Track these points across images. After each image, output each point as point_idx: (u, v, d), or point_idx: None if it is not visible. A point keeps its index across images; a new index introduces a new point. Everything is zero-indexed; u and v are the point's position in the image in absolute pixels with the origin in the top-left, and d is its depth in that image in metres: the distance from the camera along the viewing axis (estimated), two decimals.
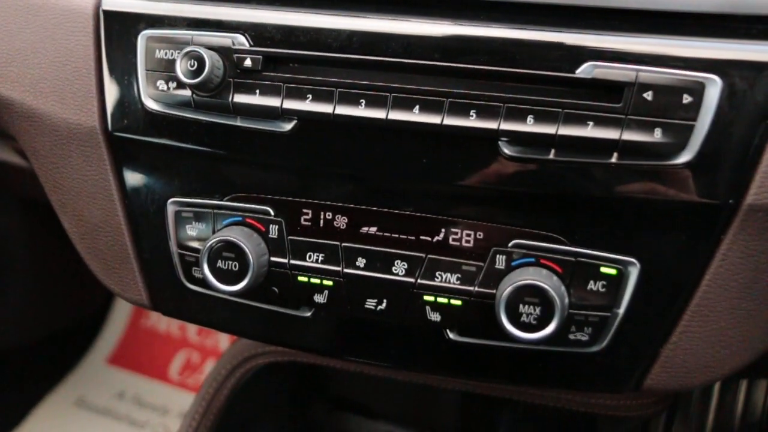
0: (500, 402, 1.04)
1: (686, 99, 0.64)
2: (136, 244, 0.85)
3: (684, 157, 0.66)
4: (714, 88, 0.64)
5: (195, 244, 0.81)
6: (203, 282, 0.79)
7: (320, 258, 0.78)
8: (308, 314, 0.81)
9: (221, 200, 0.80)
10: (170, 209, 0.82)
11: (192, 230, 0.81)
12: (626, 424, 1.15)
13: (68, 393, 2.33)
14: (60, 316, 2.36)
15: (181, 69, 0.73)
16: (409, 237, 0.76)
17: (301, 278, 0.79)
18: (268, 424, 1.17)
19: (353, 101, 0.72)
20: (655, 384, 0.76)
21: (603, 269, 0.72)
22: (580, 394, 0.98)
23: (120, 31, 0.80)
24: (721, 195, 0.67)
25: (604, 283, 0.72)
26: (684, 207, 0.68)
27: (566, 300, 0.70)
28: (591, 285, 0.72)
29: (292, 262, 0.78)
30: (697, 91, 0.64)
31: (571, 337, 0.73)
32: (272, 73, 0.74)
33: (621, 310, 0.72)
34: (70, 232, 0.91)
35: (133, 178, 0.84)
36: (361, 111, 0.72)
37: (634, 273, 0.71)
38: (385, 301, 0.77)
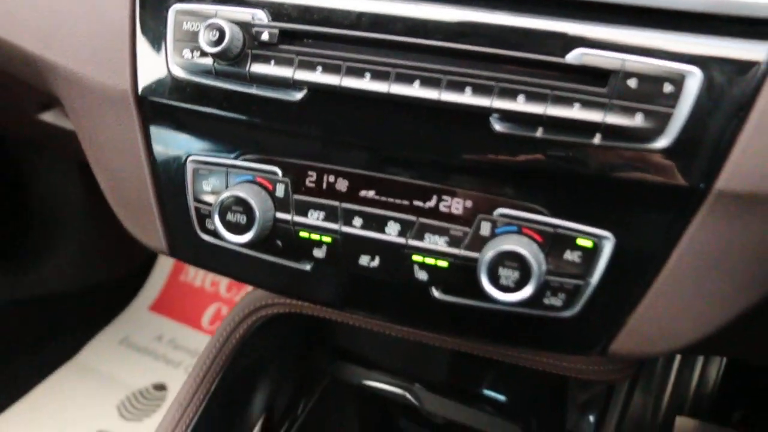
0: (486, 362, 0.98)
1: (667, 88, 0.59)
2: (158, 197, 0.81)
3: (662, 142, 0.60)
4: (694, 80, 0.58)
5: (209, 199, 0.76)
6: (215, 233, 0.74)
7: (321, 216, 0.72)
8: (308, 267, 0.76)
9: (235, 160, 0.75)
10: (189, 166, 0.77)
11: (207, 186, 0.76)
12: (593, 387, 1.10)
13: (115, 333, 2.35)
14: (111, 267, 2.37)
15: (204, 38, 0.68)
16: (404, 202, 0.70)
17: (302, 234, 0.73)
18: (275, 367, 1.12)
19: (359, 74, 0.66)
20: (620, 349, 0.70)
21: (579, 241, 0.66)
22: (553, 357, 0.93)
23: (153, 4, 0.75)
24: (694, 179, 0.60)
25: (580, 254, 0.66)
26: (659, 188, 0.62)
27: (543, 267, 0.65)
28: (567, 255, 0.66)
29: (295, 218, 0.73)
30: (678, 81, 0.59)
31: (546, 301, 0.68)
32: (287, 47, 0.69)
33: (594, 280, 0.66)
34: (102, 184, 0.86)
35: (158, 137, 0.79)
36: (366, 84, 0.66)
37: (608, 246, 0.65)
38: (377, 258, 0.72)
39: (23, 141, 2.01)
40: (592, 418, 1.08)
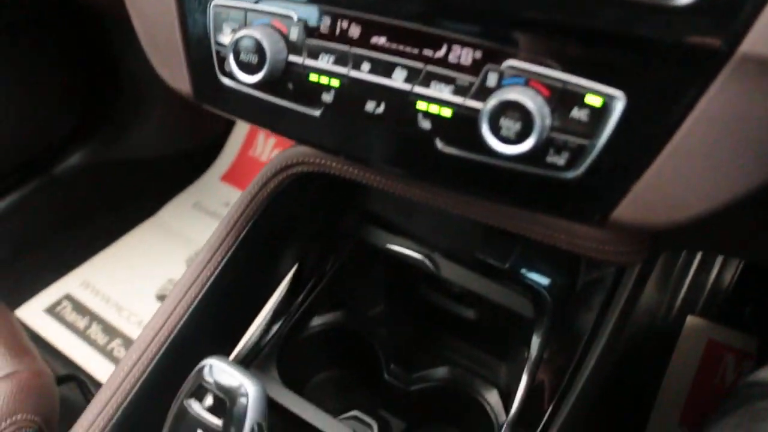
0: (501, 237, 0.91)
1: None
2: (184, 41, 0.74)
3: None
4: None
5: (227, 41, 0.69)
6: (231, 74, 0.67)
7: (331, 60, 0.64)
8: (317, 113, 0.68)
9: (254, 4, 0.67)
10: (212, 10, 0.70)
11: (227, 28, 0.69)
12: (603, 269, 1.01)
13: (189, 197, 2.36)
14: (189, 140, 2.36)
15: None
16: (413, 50, 0.61)
17: (312, 77, 0.66)
18: (305, 223, 1.07)
19: None
20: (622, 217, 0.61)
21: (588, 99, 0.55)
22: (565, 233, 0.84)
23: None
24: (718, 41, 0.49)
25: (588, 112, 0.56)
26: (678, 48, 0.51)
27: (547, 121, 0.55)
28: (575, 112, 0.56)
29: (306, 62, 0.65)
30: None
31: (549, 159, 0.59)
32: None
33: (600, 141, 0.57)
34: (138, 29, 0.80)
35: None
36: None
37: (618, 107, 0.55)
38: (383, 104, 0.64)
39: (116, 20, 1.97)
40: (599, 299, 1.00)
